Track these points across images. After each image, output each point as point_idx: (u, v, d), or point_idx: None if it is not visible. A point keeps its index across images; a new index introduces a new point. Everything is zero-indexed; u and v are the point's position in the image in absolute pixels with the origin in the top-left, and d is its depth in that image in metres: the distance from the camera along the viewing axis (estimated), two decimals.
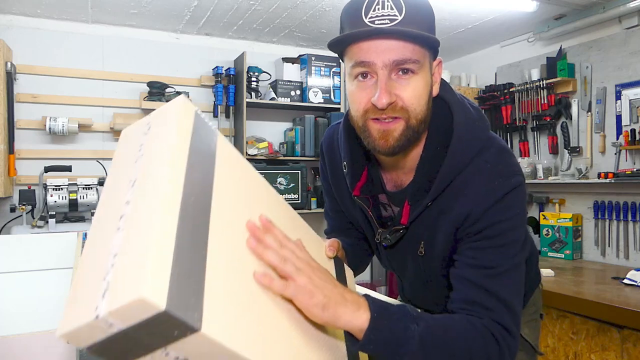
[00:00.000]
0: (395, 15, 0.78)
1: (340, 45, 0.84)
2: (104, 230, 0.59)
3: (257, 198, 0.77)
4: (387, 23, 0.78)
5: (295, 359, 0.64)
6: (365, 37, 0.79)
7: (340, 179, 1.02)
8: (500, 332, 0.79)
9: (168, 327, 0.50)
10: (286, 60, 3.61)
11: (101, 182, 2.99)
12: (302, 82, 3.56)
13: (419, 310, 0.78)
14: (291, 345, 0.65)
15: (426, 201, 0.87)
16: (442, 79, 0.91)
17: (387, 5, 0.78)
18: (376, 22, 0.78)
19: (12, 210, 2.81)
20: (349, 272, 0.95)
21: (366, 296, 0.74)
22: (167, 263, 0.51)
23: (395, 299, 1.17)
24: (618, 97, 2.84)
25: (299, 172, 3.50)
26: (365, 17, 0.79)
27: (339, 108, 3.64)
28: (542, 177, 3.15)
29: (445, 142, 0.86)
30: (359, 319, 0.69)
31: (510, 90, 3.34)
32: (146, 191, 0.58)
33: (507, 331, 0.80)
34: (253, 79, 3.47)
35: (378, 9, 0.78)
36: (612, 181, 2.68)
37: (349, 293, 0.71)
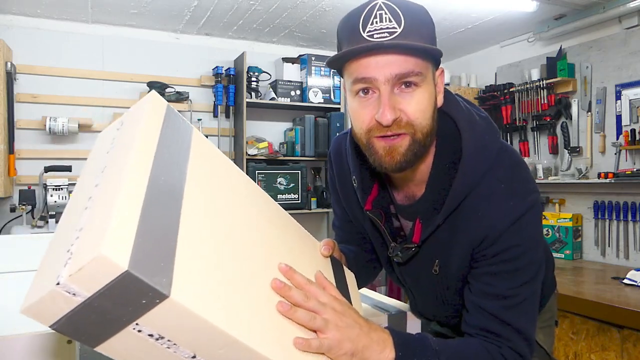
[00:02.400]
0: (394, 28, 0.75)
1: (340, 63, 0.81)
2: (72, 213, 0.59)
3: (238, 187, 0.78)
4: (387, 36, 0.75)
5: (274, 330, 0.64)
6: (365, 52, 0.76)
7: (350, 190, 1.00)
8: (513, 358, 0.82)
9: (134, 293, 0.47)
10: (286, 60, 3.61)
11: None
12: (302, 82, 3.56)
13: (438, 337, 0.82)
14: (270, 317, 0.65)
15: (438, 220, 0.85)
16: (446, 89, 0.88)
17: (386, 17, 0.75)
18: (375, 36, 0.75)
19: (12, 210, 2.81)
20: (349, 274, 0.95)
21: (390, 331, 0.77)
22: (131, 227, 0.49)
23: (395, 297, 1.17)
24: (618, 97, 2.84)
25: (299, 172, 3.50)
26: (364, 32, 0.76)
27: (339, 108, 3.64)
28: (542, 177, 3.15)
29: (454, 157, 0.84)
30: (384, 357, 0.74)
31: (510, 90, 3.34)
32: (114, 173, 0.57)
33: (522, 358, 0.83)
34: (253, 79, 3.47)
35: (376, 22, 0.75)
36: (612, 181, 2.68)
37: (374, 331, 0.75)
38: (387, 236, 0.94)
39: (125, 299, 0.48)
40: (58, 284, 0.46)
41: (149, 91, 3.21)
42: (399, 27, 0.75)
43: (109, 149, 0.66)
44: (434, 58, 0.81)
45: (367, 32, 0.76)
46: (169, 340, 0.53)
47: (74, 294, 0.47)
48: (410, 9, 0.77)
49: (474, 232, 0.83)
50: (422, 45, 0.75)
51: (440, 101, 0.85)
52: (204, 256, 0.59)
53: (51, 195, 2.83)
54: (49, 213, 2.82)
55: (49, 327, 0.50)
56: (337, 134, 1.09)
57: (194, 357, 0.56)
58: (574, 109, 3.07)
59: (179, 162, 0.65)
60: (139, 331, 0.51)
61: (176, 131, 0.69)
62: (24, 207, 2.81)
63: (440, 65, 0.85)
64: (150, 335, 0.52)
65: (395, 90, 0.77)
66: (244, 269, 0.65)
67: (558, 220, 3.04)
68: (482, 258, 0.84)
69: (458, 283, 0.91)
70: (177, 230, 0.56)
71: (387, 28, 0.75)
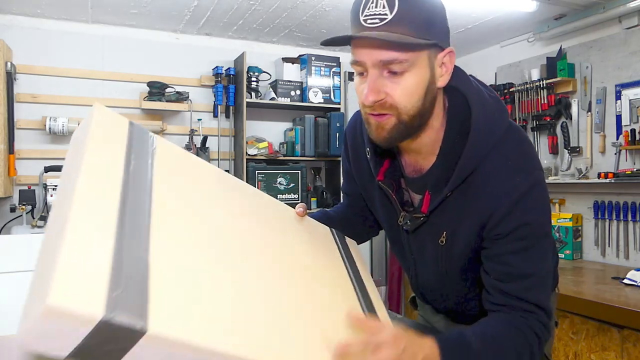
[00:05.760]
0: (385, 15, 0.78)
1: (336, 44, 0.86)
2: (50, 240, 0.58)
3: (216, 192, 0.79)
4: (377, 23, 0.78)
5: (266, 333, 0.63)
6: (355, 37, 0.81)
7: (362, 163, 1.06)
8: (542, 331, 0.86)
9: (113, 336, 0.47)
10: (286, 60, 3.61)
11: None
12: (302, 82, 3.56)
13: (470, 330, 0.85)
14: (261, 321, 0.63)
15: (446, 191, 0.88)
16: (458, 67, 0.91)
17: (380, 3, 0.78)
18: (368, 21, 0.79)
19: (12, 210, 2.81)
20: (351, 243, 1.03)
21: (437, 340, 0.79)
22: (103, 271, 0.49)
23: (396, 298, 1.19)
24: (618, 97, 2.84)
25: (299, 172, 3.50)
26: (361, 15, 0.80)
27: (339, 108, 3.64)
28: None
29: (463, 132, 0.87)
30: None
31: (510, 90, 3.34)
32: (64, 210, 0.56)
33: (547, 329, 0.87)
34: (253, 79, 3.47)
35: (372, 7, 0.79)
36: (612, 181, 2.68)
37: (422, 352, 0.76)
38: (397, 205, 0.98)
39: (102, 346, 0.48)
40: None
41: (149, 91, 3.17)
42: (390, 14, 0.78)
43: (69, 167, 0.65)
44: (434, 41, 0.82)
45: (364, 16, 0.80)
46: None
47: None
48: None
49: (482, 207, 0.86)
50: (401, 39, 0.78)
51: (443, 82, 0.87)
52: (179, 280, 0.57)
53: (51, 195, 2.83)
54: (49, 213, 2.82)
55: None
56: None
57: None
58: (574, 109, 3.07)
59: (141, 183, 0.64)
60: None
61: (135, 151, 0.68)
62: (24, 207, 2.81)
63: (450, 46, 0.87)
64: None
65: (385, 73, 0.81)
66: (227, 281, 0.64)
67: (558, 220, 3.04)
68: (496, 237, 0.87)
69: (462, 257, 0.93)
70: (147, 259, 0.55)
71: (379, 14, 0.78)
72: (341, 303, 0.84)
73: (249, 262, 0.71)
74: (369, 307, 0.89)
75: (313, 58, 3.53)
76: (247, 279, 0.68)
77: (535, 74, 3.23)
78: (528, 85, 3.21)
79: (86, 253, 0.49)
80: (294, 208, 0.99)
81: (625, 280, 2.34)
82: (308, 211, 1.03)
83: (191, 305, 0.56)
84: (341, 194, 1.26)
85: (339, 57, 3.61)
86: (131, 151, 0.67)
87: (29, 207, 2.83)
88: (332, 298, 0.84)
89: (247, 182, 3.33)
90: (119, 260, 0.51)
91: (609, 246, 2.90)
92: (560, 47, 3.12)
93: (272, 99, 3.46)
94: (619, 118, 2.83)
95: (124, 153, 0.66)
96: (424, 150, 0.93)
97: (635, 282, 2.30)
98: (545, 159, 3.23)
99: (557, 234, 3.04)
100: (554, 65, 3.08)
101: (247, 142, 3.42)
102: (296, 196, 3.45)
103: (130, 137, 0.69)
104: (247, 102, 3.37)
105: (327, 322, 0.76)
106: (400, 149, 0.98)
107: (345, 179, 1.20)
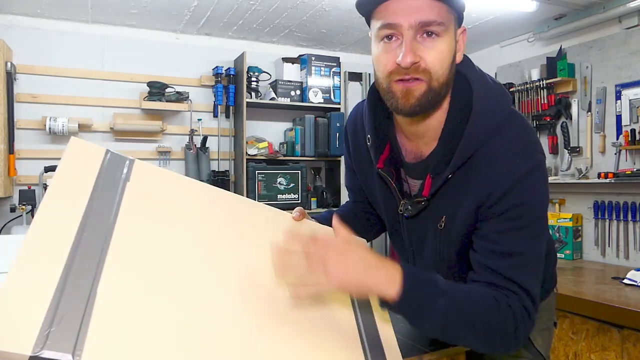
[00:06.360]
0: None
1: (370, 5, 0.84)
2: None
3: (191, 217, 0.78)
4: None
5: None
6: None
7: (362, 155, 1.06)
8: (521, 314, 0.82)
9: None
10: (286, 60, 3.61)
11: None
12: (302, 82, 3.56)
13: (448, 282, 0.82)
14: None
15: (446, 174, 0.88)
16: (463, 54, 0.92)
17: None
18: None
19: (12, 210, 2.81)
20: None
21: (402, 267, 0.78)
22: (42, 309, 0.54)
23: None
24: (618, 97, 2.84)
25: (299, 172, 3.50)
26: None
27: (339, 108, 3.64)
28: None
29: (465, 115, 0.87)
30: (391, 291, 0.75)
31: (510, 90, 3.34)
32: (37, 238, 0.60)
33: (528, 314, 0.83)
34: (253, 79, 3.47)
35: None
36: (612, 181, 2.68)
37: (384, 268, 0.76)
38: (397, 193, 0.97)
39: None
40: None
41: (149, 91, 3.16)
42: None
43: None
44: (457, 12, 0.85)
45: None
46: None
47: None
48: None
49: (480, 188, 0.86)
50: None
51: (459, 58, 0.89)
52: (124, 316, 0.60)
53: None
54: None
55: None
56: (357, 104, 1.14)
57: None
58: (574, 109, 3.07)
59: (103, 215, 0.67)
60: None
61: (104, 181, 0.71)
62: (24, 207, 2.81)
63: (464, 25, 0.90)
64: None
65: (418, 37, 0.81)
66: (176, 320, 0.64)
67: (558, 220, 3.04)
68: (489, 217, 0.86)
69: (459, 240, 0.92)
70: (95, 294, 0.58)
71: None
72: (329, 325, 0.79)
73: (211, 294, 0.70)
74: (365, 311, 0.87)
75: (313, 58, 3.53)
76: (202, 317, 0.67)
77: (535, 74, 3.23)
78: (528, 85, 3.21)
79: (25, 294, 0.54)
80: (296, 209, 0.96)
81: (625, 280, 2.34)
82: (309, 212, 1.00)
83: (131, 340, 0.58)
84: (341, 194, 1.29)
85: (339, 57, 3.60)
86: (99, 182, 0.69)
87: (29, 207, 2.83)
88: (315, 322, 0.78)
89: (247, 182, 3.34)
90: (58, 298, 0.56)
91: (609, 246, 2.90)
92: (560, 47, 3.12)
93: (272, 99, 3.46)
94: (619, 118, 2.83)
95: (92, 185, 0.68)
96: (428, 135, 0.93)
97: (635, 282, 2.30)
98: (545, 159, 3.23)
99: (557, 234, 3.04)
100: (554, 65, 3.08)
101: (247, 142, 3.42)
102: (296, 196, 3.45)
103: (102, 167, 0.71)
104: (247, 102, 3.37)
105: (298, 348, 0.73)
106: (402, 136, 0.98)
107: (348, 175, 1.21)
